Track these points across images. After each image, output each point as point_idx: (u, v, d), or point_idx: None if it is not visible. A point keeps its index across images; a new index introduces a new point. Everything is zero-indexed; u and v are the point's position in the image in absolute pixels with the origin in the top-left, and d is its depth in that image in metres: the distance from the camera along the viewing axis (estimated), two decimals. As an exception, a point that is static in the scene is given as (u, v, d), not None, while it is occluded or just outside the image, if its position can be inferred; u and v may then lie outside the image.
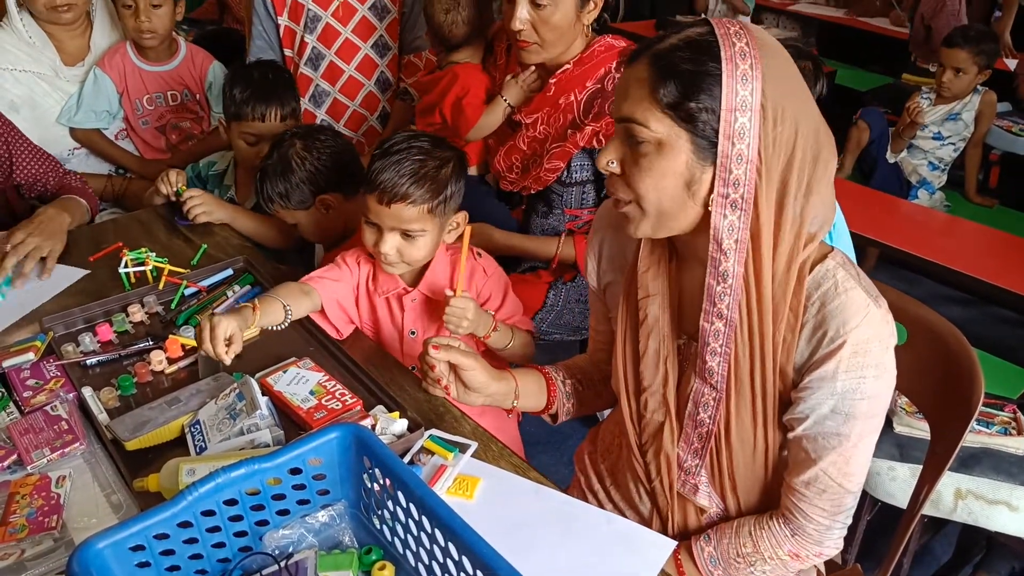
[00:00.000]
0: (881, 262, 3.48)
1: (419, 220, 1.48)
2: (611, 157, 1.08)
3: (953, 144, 3.47)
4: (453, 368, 1.34)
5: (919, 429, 1.83)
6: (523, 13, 1.82)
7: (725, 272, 1.05)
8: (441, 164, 1.50)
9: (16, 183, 2.06)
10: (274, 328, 1.47)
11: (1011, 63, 4.30)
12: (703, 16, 5.29)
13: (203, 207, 1.94)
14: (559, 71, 1.94)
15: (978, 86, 3.42)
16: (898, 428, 1.86)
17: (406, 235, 1.49)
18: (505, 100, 2.03)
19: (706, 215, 1.04)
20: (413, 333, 1.62)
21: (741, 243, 1.03)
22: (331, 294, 1.57)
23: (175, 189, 1.96)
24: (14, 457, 1.24)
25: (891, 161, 3.55)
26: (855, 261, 1.98)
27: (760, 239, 1.03)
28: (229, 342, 1.35)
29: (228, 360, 1.36)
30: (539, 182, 2.00)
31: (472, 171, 2.11)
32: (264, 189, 1.87)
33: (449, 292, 1.49)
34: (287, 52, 2.44)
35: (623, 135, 1.06)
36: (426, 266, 1.58)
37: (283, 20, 2.40)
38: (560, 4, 1.81)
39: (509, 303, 1.65)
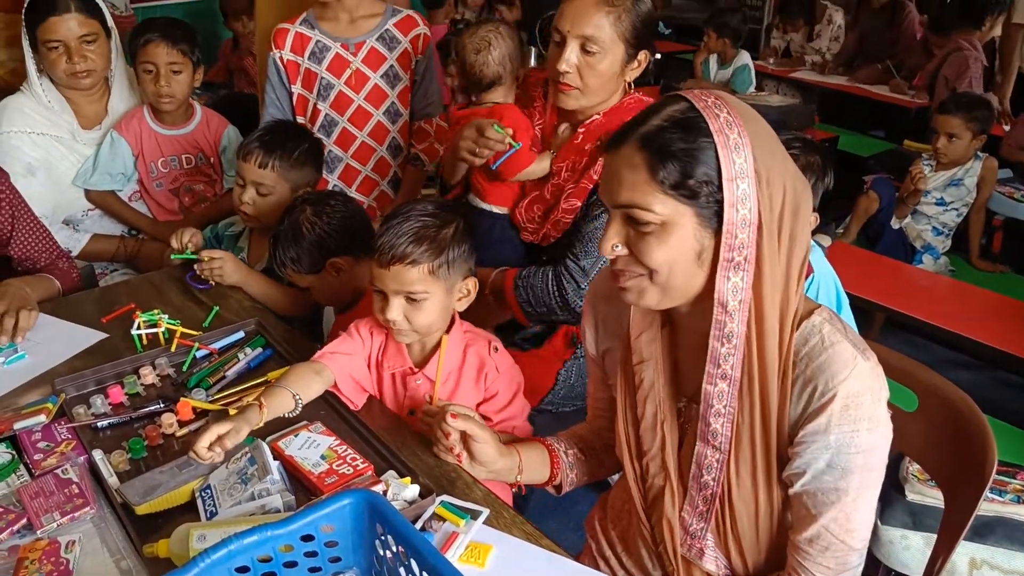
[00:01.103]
0: (887, 326, 3.48)
1: (421, 282, 1.45)
2: (615, 241, 1.10)
3: (956, 209, 3.51)
4: (464, 438, 1.35)
5: (932, 497, 1.81)
6: (572, 57, 1.82)
7: (730, 333, 1.07)
8: (442, 225, 1.48)
9: (8, 254, 2.05)
10: (286, 415, 1.44)
11: (1008, 129, 4.36)
12: (700, 81, 5.39)
13: (218, 271, 1.95)
14: (588, 121, 1.94)
15: (978, 152, 3.47)
16: (911, 496, 1.85)
17: (410, 299, 1.46)
18: (553, 154, 2.00)
19: (709, 280, 1.07)
20: (412, 412, 1.56)
21: (744, 303, 1.06)
22: (344, 369, 1.53)
23: (187, 250, 2.00)
24: (24, 521, 1.23)
25: (895, 227, 3.58)
26: (847, 301, 2.01)
27: (763, 296, 1.06)
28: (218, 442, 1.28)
29: (210, 458, 1.27)
30: (558, 227, 1.97)
31: (504, 209, 2.08)
32: (276, 254, 1.90)
33: (428, 397, 1.46)
34: (300, 119, 2.47)
35: (623, 219, 1.09)
36: (437, 346, 1.54)
37: (296, 88, 2.45)
38: (609, 53, 1.82)
39: (515, 405, 1.60)
